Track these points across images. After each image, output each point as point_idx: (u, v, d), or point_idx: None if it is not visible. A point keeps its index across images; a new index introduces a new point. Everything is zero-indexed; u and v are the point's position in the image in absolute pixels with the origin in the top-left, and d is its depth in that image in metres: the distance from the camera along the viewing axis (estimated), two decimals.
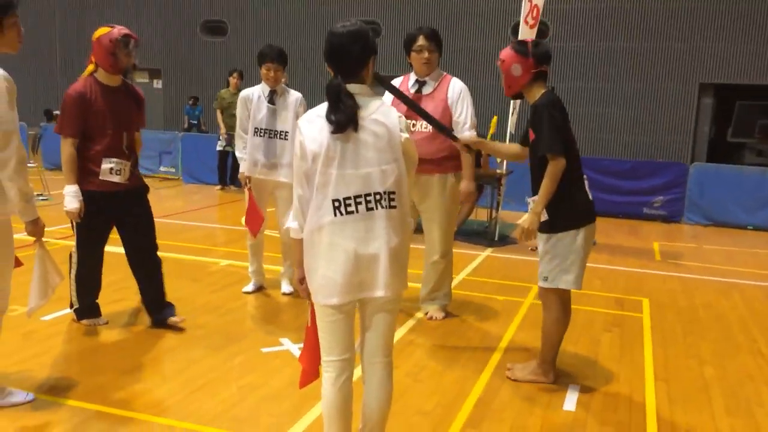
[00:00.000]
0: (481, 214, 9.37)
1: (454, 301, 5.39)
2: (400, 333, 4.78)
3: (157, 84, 17.63)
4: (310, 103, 2.69)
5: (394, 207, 2.61)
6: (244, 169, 5.42)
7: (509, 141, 8.38)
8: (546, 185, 3.64)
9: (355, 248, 2.56)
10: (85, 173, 4.31)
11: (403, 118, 2.72)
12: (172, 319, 4.71)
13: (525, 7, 8.08)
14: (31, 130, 12.06)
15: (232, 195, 11.43)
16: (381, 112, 2.61)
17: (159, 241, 4.71)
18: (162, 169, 13.23)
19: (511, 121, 8.71)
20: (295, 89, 5.58)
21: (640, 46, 13.93)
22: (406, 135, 2.67)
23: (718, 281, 6.81)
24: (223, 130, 11.52)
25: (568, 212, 3.72)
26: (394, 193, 2.60)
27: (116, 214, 4.46)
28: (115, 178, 4.36)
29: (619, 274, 6.85)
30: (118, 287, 5.34)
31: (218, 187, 12.09)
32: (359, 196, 2.56)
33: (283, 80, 5.39)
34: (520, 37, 8.03)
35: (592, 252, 3.82)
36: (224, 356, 4.25)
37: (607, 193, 10.15)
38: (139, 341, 4.48)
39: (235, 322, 4.96)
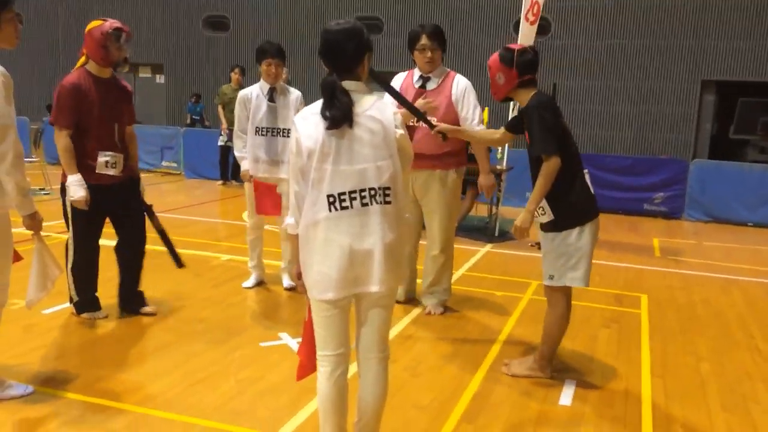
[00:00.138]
0: (481, 210, 9.38)
1: (454, 296, 5.41)
2: (399, 327, 4.80)
3: (160, 79, 17.65)
4: (313, 99, 2.71)
5: (389, 203, 2.63)
6: (246, 167, 5.40)
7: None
8: (540, 184, 3.65)
9: (350, 243, 2.58)
10: (81, 168, 4.34)
11: (399, 114, 2.74)
12: (146, 309, 4.82)
13: (526, 4, 8.06)
14: (33, 125, 12.09)
15: (234, 190, 11.45)
16: (376, 109, 2.63)
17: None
18: (164, 164, 13.28)
19: (512, 116, 8.70)
20: (297, 85, 5.60)
21: (641, 43, 13.91)
22: (401, 131, 2.69)
23: (718, 278, 6.82)
24: (224, 125, 11.54)
25: (571, 210, 3.73)
26: (389, 188, 2.62)
27: (112, 206, 4.52)
28: (111, 171, 4.43)
29: (618, 271, 6.87)
30: (117, 282, 5.36)
31: (220, 182, 12.13)
32: (354, 192, 2.58)
33: (283, 76, 5.39)
34: (520, 34, 8.02)
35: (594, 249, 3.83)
36: (224, 350, 4.27)
37: (608, 190, 10.14)
38: (139, 335, 4.51)
39: (235, 316, 4.99)
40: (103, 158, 4.39)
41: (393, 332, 4.59)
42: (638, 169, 10.54)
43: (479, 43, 14.61)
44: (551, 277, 3.83)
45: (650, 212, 10.48)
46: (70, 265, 4.58)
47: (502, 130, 4.18)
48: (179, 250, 4.84)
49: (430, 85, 4.99)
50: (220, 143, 11.83)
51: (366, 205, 2.59)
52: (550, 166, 3.62)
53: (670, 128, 14.03)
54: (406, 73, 5.16)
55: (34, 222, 3.39)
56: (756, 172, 10.17)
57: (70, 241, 4.55)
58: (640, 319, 5.31)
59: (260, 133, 5.33)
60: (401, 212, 2.70)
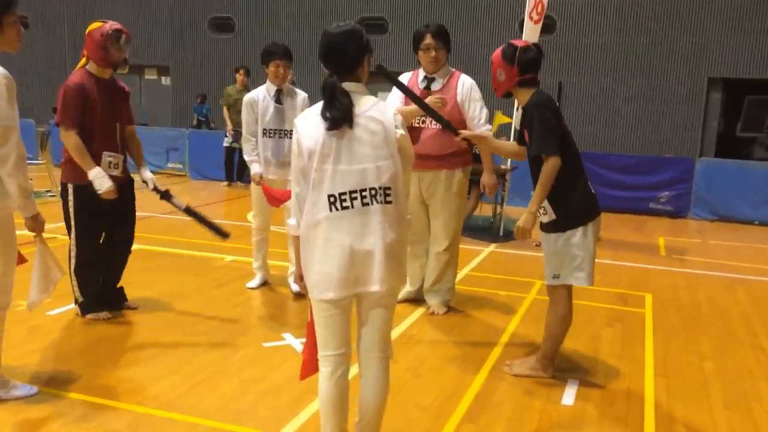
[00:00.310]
0: (485, 210, 9.37)
1: (457, 296, 5.41)
2: (401, 327, 4.81)
3: (166, 81, 17.69)
4: (317, 101, 2.73)
5: (390, 202, 2.64)
6: (257, 170, 5.33)
7: (513, 135, 8.37)
8: (541, 184, 3.64)
9: (350, 243, 2.59)
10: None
11: (399, 115, 2.75)
12: (128, 304, 4.93)
13: (530, 3, 8.06)
14: (40, 128, 12.14)
15: (239, 191, 11.48)
16: (377, 109, 2.65)
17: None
18: (169, 165, 13.34)
19: (516, 116, 8.69)
20: (302, 86, 5.60)
21: (647, 41, 13.86)
22: (401, 131, 2.70)
23: (723, 276, 6.80)
24: (229, 126, 11.56)
25: (572, 210, 3.73)
26: (389, 188, 2.63)
27: (112, 206, 4.55)
28: (114, 172, 4.51)
29: (623, 270, 6.86)
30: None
31: (225, 183, 12.16)
32: (354, 192, 2.59)
33: (290, 77, 5.38)
34: (524, 33, 8.02)
35: (597, 248, 3.83)
36: (226, 350, 4.28)
37: (614, 189, 10.13)
38: (142, 335, 4.53)
39: (239, 317, 5.00)
40: (107, 159, 4.46)
41: (396, 332, 4.60)
42: (644, 167, 10.51)
43: (484, 42, 14.59)
44: (556, 277, 3.82)
45: (656, 211, 10.45)
46: (73, 267, 4.60)
47: (517, 144, 4.10)
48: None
49: (435, 86, 4.99)
50: (225, 144, 11.86)
51: (367, 204, 2.60)
52: (552, 165, 3.61)
53: (677, 126, 13.97)
54: (411, 73, 5.15)
55: (36, 224, 3.41)
56: (760, 170, 10.12)
57: (73, 243, 4.58)
58: (644, 318, 5.30)
59: (268, 134, 5.32)
60: (402, 212, 2.72)
